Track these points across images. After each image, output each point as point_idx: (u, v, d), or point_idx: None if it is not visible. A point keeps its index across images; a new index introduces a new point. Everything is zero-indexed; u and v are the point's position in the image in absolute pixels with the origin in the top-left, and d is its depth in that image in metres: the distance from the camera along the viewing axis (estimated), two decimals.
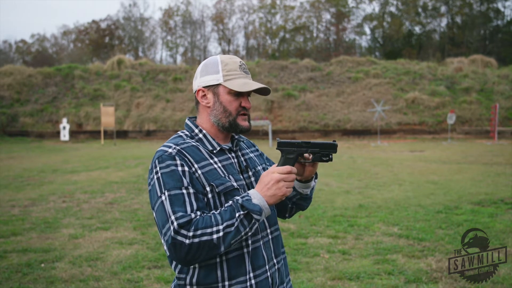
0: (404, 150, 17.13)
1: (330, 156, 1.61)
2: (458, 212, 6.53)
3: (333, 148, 1.61)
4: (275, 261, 1.68)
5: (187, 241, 1.42)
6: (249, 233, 1.49)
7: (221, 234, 1.44)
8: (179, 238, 1.42)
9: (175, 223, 1.43)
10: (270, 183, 1.50)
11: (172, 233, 1.43)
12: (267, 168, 1.86)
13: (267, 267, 1.63)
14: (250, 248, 1.58)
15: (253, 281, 1.58)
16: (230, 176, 1.61)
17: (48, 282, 4.10)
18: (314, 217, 6.31)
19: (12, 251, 4.93)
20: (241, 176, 1.66)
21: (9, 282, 4.07)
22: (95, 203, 7.52)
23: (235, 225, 1.45)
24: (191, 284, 1.57)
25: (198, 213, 1.48)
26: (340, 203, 7.31)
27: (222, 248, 1.46)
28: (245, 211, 1.47)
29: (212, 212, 1.50)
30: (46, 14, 79.04)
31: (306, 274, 4.25)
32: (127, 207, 7.23)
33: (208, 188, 1.55)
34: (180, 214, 1.45)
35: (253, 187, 1.68)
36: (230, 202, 1.50)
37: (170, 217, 1.45)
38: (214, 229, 1.44)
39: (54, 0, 77.58)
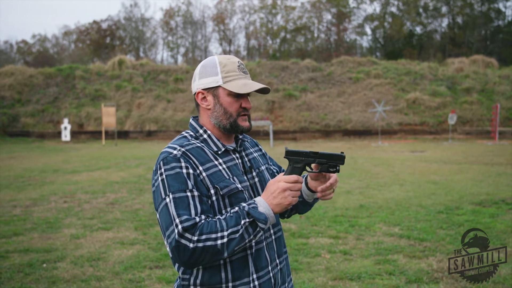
0: (405, 150, 17.13)
1: (338, 168, 1.62)
2: (459, 212, 6.53)
3: (340, 159, 1.62)
4: (277, 261, 1.68)
5: (191, 245, 1.42)
6: (253, 241, 1.50)
7: (225, 240, 1.44)
8: (183, 241, 1.43)
9: (179, 226, 1.43)
10: (276, 191, 1.50)
11: (177, 236, 1.43)
12: (270, 168, 1.87)
13: (269, 268, 1.63)
14: (253, 249, 1.59)
15: (256, 283, 1.58)
16: (235, 178, 1.61)
17: (50, 282, 4.11)
18: (315, 217, 6.32)
19: (14, 251, 4.95)
20: (245, 177, 1.66)
21: (11, 282, 4.09)
22: (96, 203, 7.54)
23: (240, 232, 1.45)
24: (195, 285, 1.57)
25: (203, 216, 1.48)
26: (341, 203, 7.31)
27: (226, 254, 1.46)
28: (251, 219, 1.47)
29: (217, 217, 1.50)
30: (47, 14, 79.18)
31: (307, 274, 4.25)
32: (129, 207, 7.25)
33: (212, 191, 1.55)
34: (185, 217, 1.45)
35: (256, 188, 1.68)
36: (236, 208, 1.50)
37: (174, 220, 1.45)
38: (219, 234, 1.44)
39: (55, 0, 77.70)
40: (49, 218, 6.48)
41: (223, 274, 1.55)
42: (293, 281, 1.87)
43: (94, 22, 50.74)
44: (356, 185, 9.10)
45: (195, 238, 1.43)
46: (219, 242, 1.44)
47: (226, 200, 1.56)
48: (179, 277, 1.63)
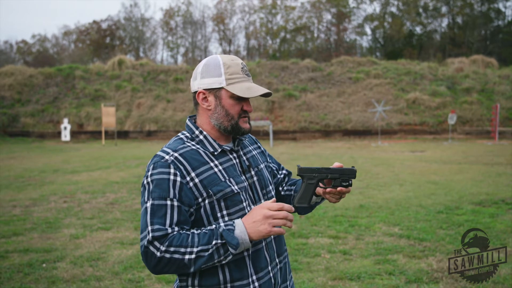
0: (405, 150, 17.13)
1: (350, 182, 1.66)
2: (459, 212, 6.53)
3: (352, 173, 1.66)
4: (277, 261, 1.67)
5: (158, 254, 1.44)
6: (223, 261, 1.48)
7: (193, 256, 1.44)
8: (151, 248, 1.45)
9: (150, 235, 1.45)
10: (257, 218, 1.47)
11: (146, 242, 1.45)
12: (269, 166, 1.86)
13: (269, 268, 1.62)
14: (250, 251, 1.57)
15: (256, 284, 1.57)
16: (231, 180, 1.59)
17: (49, 282, 4.11)
18: (315, 217, 6.31)
19: (13, 251, 4.95)
20: (243, 177, 1.64)
21: (10, 282, 4.09)
22: (96, 203, 7.54)
23: (209, 251, 1.44)
24: (193, 285, 1.57)
25: (176, 228, 1.48)
26: (341, 203, 7.30)
27: (192, 269, 1.46)
28: (223, 241, 1.45)
29: (192, 231, 1.49)
30: (47, 14, 79.18)
31: (307, 274, 4.25)
32: (128, 207, 7.25)
33: (205, 195, 1.54)
34: (157, 226, 1.46)
35: (255, 187, 1.67)
36: (213, 226, 1.49)
37: (148, 226, 1.47)
38: (188, 250, 1.44)
39: (55, 0, 77.71)
40: (49, 218, 6.48)
41: (221, 276, 1.54)
42: (293, 279, 1.87)
43: (94, 22, 50.74)
44: (356, 185, 9.09)
45: (163, 248, 1.44)
46: (186, 257, 1.44)
47: (222, 203, 1.55)
48: (178, 278, 1.63)
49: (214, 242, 1.45)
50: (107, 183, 9.61)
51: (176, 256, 1.44)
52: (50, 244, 5.22)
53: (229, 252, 1.46)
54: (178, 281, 1.62)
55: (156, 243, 1.44)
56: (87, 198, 7.95)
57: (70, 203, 7.59)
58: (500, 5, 46.04)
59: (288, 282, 1.73)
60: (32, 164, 13.24)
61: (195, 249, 1.44)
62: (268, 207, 1.48)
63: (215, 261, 1.46)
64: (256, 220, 1.47)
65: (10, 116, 25.60)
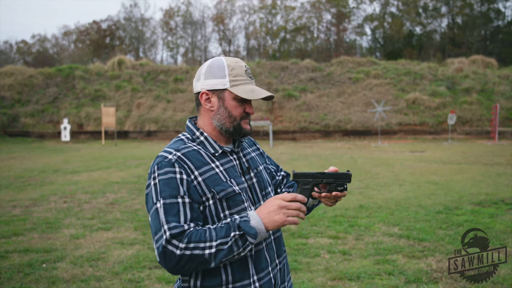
0: (405, 150, 17.13)
1: (345, 186, 1.65)
2: (459, 213, 6.54)
3: (347, 178, 1.65)
4: (277, 261, 1.68)
5: (178, 252, 1.42)
6: (242, 254, 1.49)
7: (213, 250, 1.44)
8: (170, 247, 1.43)
9: (167, 233, 1.44)
10: (272, 208, 1.49)
11: (164, 242, 1.43)
12: (268, 167, 1.87)
13: (270, 268, 1.63)
14: (253, 251, 1.59)
15: (257, 284, 1.58)
16: (232, 180, 1.60)
17: (49, 282, 4.11)
18: (314, 218, 6.32)
19: (13, 251, 4.95)
20: (243, 178, 1.66)
21: (11, 282, 4.09)
22: (96, 204, 7.54)
23: (229, 244, 1.45)
24: (195, 286, 1.57)
25: (192, 224, 1.48)
26: (340, 203, 7.31)
27: (213, 264, 1.46)
28: (241, 232, 1.46)
29: (208, 226, 1.49)
30: (47, 14, 79.17)
31: (307, 274, 4.26)
32: (128, 207, 7.25)
33: (209, 195, 1.55)
34: (173, 224, 1.45)
35: (255, 189, 1.68)
36: (228, 219, 1.50)
37: (163, 226, 1.45)
38: (207, 244, 1.44)
39: (54, 0, 77.71)
40: (49, 218, 6.48)
41: (223, 276, 1.55)
42: (292, 280, 1.88)
43: (94, 22, 50.76)
44: (355, 185, 9.10)
45: (183, 245, 1.43)
46: (207, 251, 1.44)
47: (224, 204, 1.56)
48: (179, 279, 1.63)
49: (232, 234, 1.45)
50: (107, 183, 9.61)
51: (196, 252, 1.43)
52: (50, 244, 5.22)
53: (248, 242, 1.46)
54: (180, 281, 1.62)
55: (175, 241, 1.43)
56: (87, 198, 7.96)
57: (70, 203, 7.59)
58: (500, 5, 46.10)
59: (286, 283, 1.74)
60: (32, 164, 13.24)
61: (214, 243, 1.44)
62: (282, 197, 1.50)
63: (235, 253, 1.47)
64: (270, 211, 1.49)
65: (10, 116, 25.60)
